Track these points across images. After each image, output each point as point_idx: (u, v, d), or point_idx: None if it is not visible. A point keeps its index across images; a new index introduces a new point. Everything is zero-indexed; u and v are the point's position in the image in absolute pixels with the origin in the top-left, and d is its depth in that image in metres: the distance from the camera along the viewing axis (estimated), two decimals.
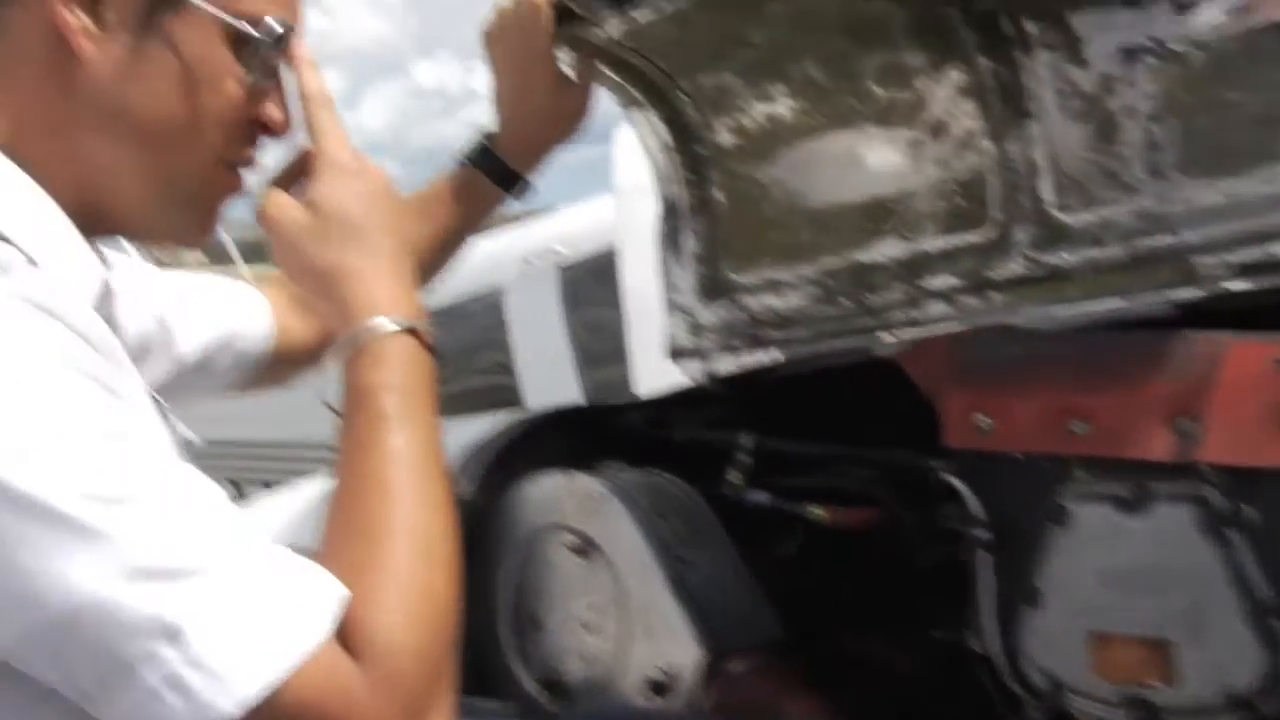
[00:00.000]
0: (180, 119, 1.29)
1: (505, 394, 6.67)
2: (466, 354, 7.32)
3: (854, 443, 2.16)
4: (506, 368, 6.86)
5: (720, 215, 2.44)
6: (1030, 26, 2.01)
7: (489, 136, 2.00)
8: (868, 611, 2.17)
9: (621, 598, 2.03)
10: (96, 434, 1.05)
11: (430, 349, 1.23)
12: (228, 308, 1.84)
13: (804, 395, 2.32)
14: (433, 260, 2.02)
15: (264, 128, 1.35)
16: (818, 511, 2.11)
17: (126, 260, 1.65)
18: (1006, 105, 2.05)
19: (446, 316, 6.68)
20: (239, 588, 1.04)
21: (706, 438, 2.30)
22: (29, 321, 1.08)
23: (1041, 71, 2.02)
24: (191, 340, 1.77)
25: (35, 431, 1.03)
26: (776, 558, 2.21)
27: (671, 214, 2.49)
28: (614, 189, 5.21)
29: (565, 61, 2.05)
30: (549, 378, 5.91)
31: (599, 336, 6.25)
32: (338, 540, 1.14)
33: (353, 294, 1.25)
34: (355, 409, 1.18)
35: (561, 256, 6.19)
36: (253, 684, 1.02)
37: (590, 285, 6.14)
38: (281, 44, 1.35)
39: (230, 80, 1.32)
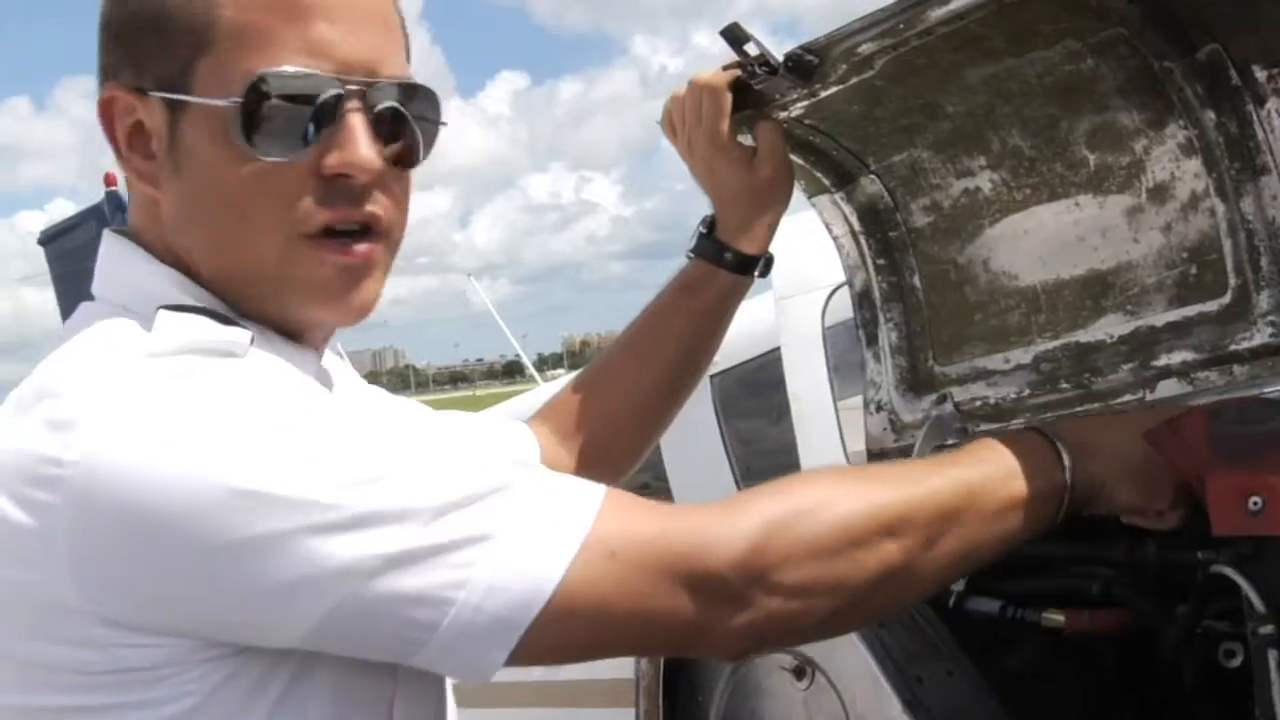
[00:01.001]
0: (229, 219, 1.38)
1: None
2: None
3: (1086, 539, 2.11)
4: (656, 488, 6.90)
5: (918, 302, 2.43)
6: (1260, 74, 1.99)
7: (708, 223, 2.08)
8: None
9: None
10: (333, 432, 1.23)
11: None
12: (495, 443, 1.92)
13: None
14: (687, 362, 2.10)
15: (342, 178, 1.39)
16: (1056, 618, 2.06)
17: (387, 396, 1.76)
18: (1236, 161, 2.03)
19: None
20: (518, 495, 1.26)
21: None
22: (256, 365, 1.28)
23: (1275, 121, 2.00)
24: None
25: (281, 441, 1.19)
26: (1012, 670, 2.15)
27: (865, 305, 2.49)
28: (774, 291, 5.26)
29: (751, 138, 2.09)
30: (706, 495, 5.87)
31: (754, 446, 6.27)
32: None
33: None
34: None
35: (715, 366, 6.25)
36: (564, 554, 1.24)
37: (747, 394, 6.18)
38: (307, 101, 1.36)
39: (242, 162, 1.36)
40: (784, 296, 4.99)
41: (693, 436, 6.23)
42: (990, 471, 1.48)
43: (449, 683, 1.48)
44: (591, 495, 1.31)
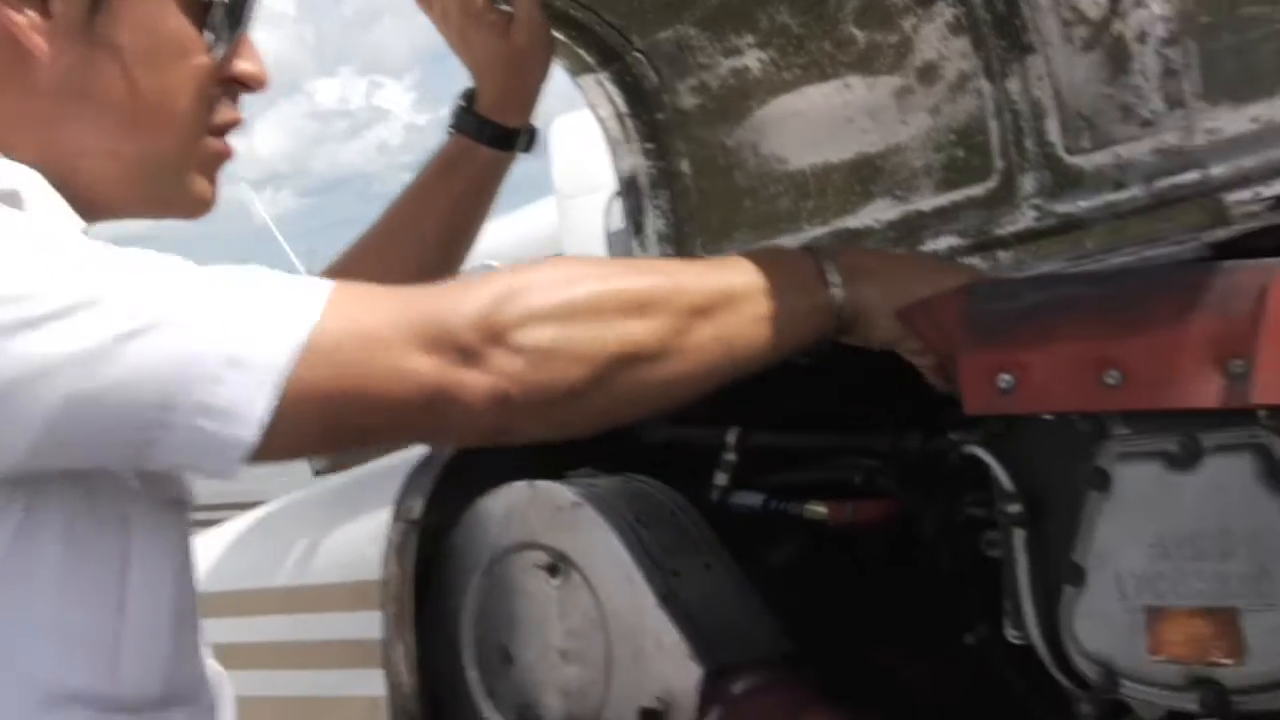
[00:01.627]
0: (149, 97, 1.43)
1: None
2: None
3: (852, 432, 2.16)
4: None
5: (687, 188, 2.44)
6: None
7: (467, 96, 2.06)
8: (886, 619, 2.16)
9: (604, 620, 2.01)
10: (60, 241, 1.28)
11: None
12: None
13: (793, 383, 2.32)
14: (451, 243, 2.08)
15: (241, 85, 1.52)
16: (818, 509, 2.10)
17: None
18: (1004, 40, 2.07)
19: None
20: (248, 281, 1.30)
21: (685, 436, 2.29)
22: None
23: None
24: None
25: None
26: (777, 565, 2.19)
27: (631, 192, 2.49)
28: (555, 191, 5.25)
29: (507, 5, 2.06)
30: None
31: None
32: None
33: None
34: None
35: (495, 269, 6.22)
36: (299, 327, 1.27)
37: None
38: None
39: (193, 49, 1.45)
40: (566, 197, 4.98)
41: None
42: (752, 280, 1.52)
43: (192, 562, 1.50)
44: (324, 283, 1.36)
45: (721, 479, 2.20)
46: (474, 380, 1.33)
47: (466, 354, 1.32)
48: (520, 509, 2.10)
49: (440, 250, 2.11)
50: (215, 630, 1.56)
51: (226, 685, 1.63)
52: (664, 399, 1.51)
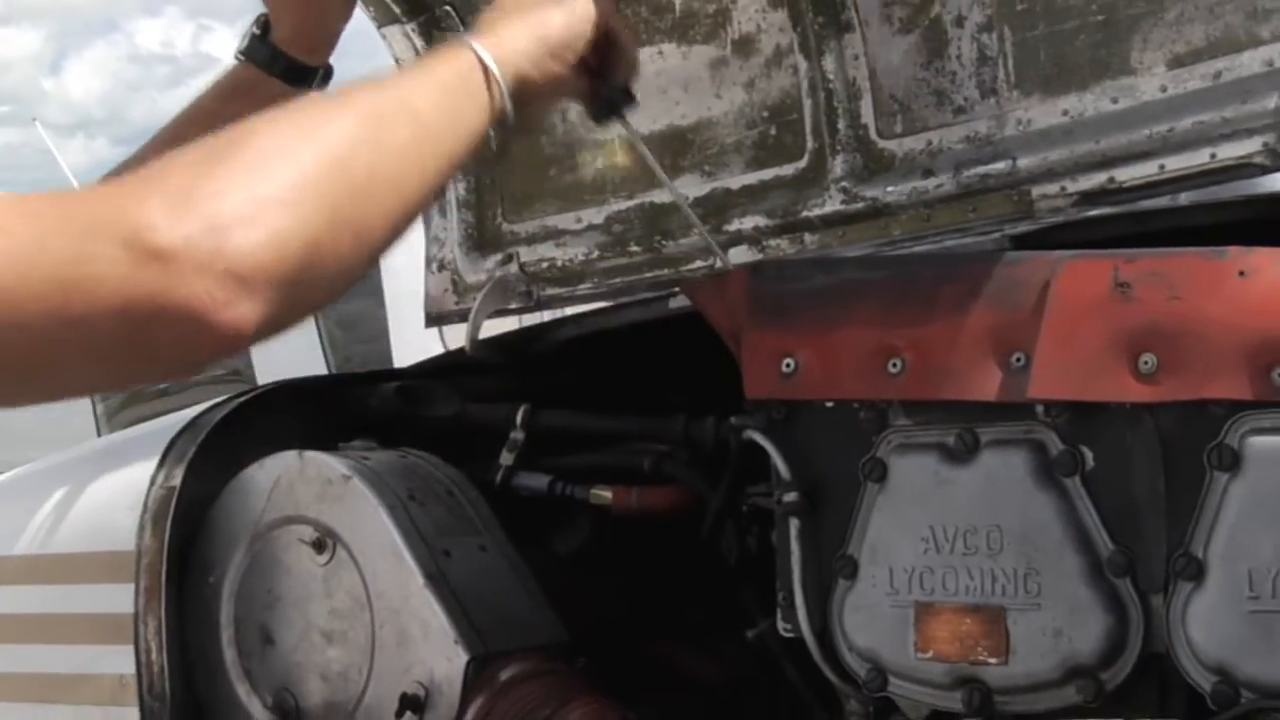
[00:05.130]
0: None
1: (236, 383, 6.59)
2: None
3: (649, 414, 2.20)
4: (245, 375, 6.80)
5: (490, 152, 2.45)
6: None
7: (261, 23, 2.04)
8: (667, 609, 2.20)
9: (370, 600, 2.02)
10: None
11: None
12: None
13: (587, 362, 2.35)
14: None
15: None
16: (603, 494, 2.13)
17: None
18: (821, 16, 2.11)
19: None
20: None
21: (472, 413, 2.31)
22: None
23: None
24: None
25: None
26: (559, 551, 2.22)
27: None
28: None
29: None
30: (290, 363, 5.85)
31: (359, 333, 6.23)
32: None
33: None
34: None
35: None
36: None
37: None
38: None
39: None
40: None
41: None
42: (422, 86, 1.50)
43: None
44: None
45: (507, 458, 2.23)
46: (195, 280, 1.22)
47: (171, 249, 1.21)
48: (288, 480, 2.11)
49: None
50: None
51: None
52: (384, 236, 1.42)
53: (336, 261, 1.33)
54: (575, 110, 2.36)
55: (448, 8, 2.40)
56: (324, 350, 6.10)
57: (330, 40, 2.11)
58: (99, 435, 7.33)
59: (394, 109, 1.43)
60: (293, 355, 6.23)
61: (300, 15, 2.06)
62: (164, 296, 1.20)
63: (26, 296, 1.20)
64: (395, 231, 1.43)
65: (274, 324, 1.28)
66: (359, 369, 6.09)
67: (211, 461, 2.18)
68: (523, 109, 1.59)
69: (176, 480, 2.16)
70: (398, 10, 2.40)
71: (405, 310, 4.94)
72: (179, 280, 1.21)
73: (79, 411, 7.24)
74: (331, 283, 1.35)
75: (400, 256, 4.51)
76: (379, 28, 2.46)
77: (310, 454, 2.11)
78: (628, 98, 1.78)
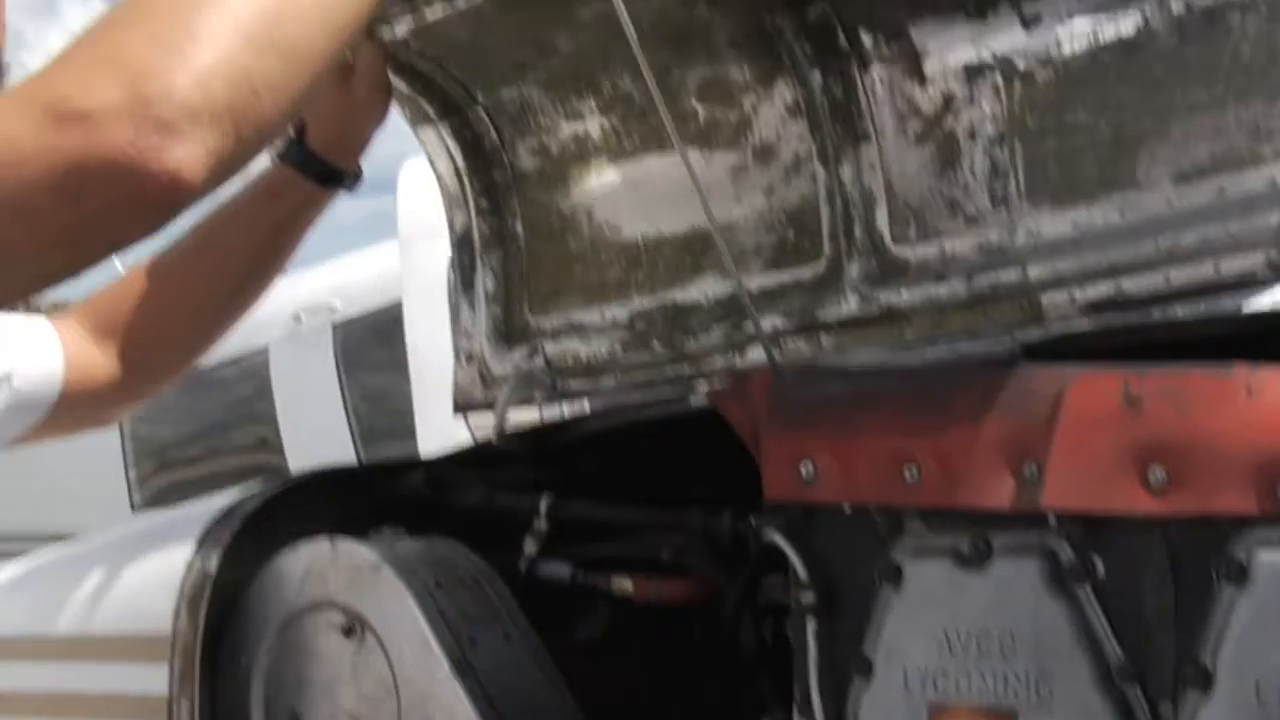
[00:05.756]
0: None
1: (268, 476, 6.58)
2: (222, 428, 7.28)
3: (667, 506, 2.20)
4: (271, 444, 6.81)
5: (519, 249, 2.46)
6: (866, 39, 2.10)
7: (298, 128, 2.05)
8: (685, 697, 2.19)
9: (397, 686, 2.02)
10: None
11: None
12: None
13: (610, 454, 2.35)
14: (254, 272, 2.06)
15: None
16: (624, 584, 2.13)
17: None
18: (840, 126, 2.13)
19: (195, 384, 6.66)
20: None
21: (498, 502, 2.31)
22: None
23: (878, 89, 2.11)
24: None
25: None
26: (580, 639, 2.22)
27: (464, 248, 2.51)
28: (398, 235, 5.24)
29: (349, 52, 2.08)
30: (323, 456, 5.86)
31: (381, 405, 6.25)
32: None
33: None
34: None
35: (337, 312, 6.21)
36: None
37: (371, 345, 6.14)
38: None
39: None
40: (409, 240, 4.98)
41: (310, 389, 6.18)
42: None
43: None
44: None
45: (531, 547, 2.23)
46: (121, 131, 1.18)
47: (96, 112, 1.18)
48: (319, 567, 2.11)
49: (247, 271, 2.09)
50: None
51: None
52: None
53: (268, 85, 1.27)
54: (602, 210, 2.39)
55: (480, 110, 2.42)
56: (349, 423, 6.11)
57: (362, 145, 2.13)
58: (130, 497, 7.35)
59: None
60: (318, 425, 6.27)
61: (335, 122, 2.08)
62: (89, 154, 1.17)
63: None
64: (331, 44, 1.36)
65: (220, 161, 1.23)
66: (382, 438, 6.12)
67: (246, 547, 2.18)
68: None
69: (212, 566, 2.16)
70: (431, 112, 2.42)
71: (429, 385, 4.96)
72: (101, 136, 1.17)
73: (113, 475, 7.25)
74: (271, 108, 1.28)
75: (424, 336, 4.54)
76: (413, 127, 2.48)
77: (342, 541, 2.11)
78: None
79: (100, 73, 1.19)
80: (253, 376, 6.49)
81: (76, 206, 1.18)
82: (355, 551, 2.09)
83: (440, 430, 4.15)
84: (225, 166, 1.25)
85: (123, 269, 2.09)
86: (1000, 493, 1.59)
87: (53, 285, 1.28)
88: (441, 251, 4.26)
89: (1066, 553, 1.59)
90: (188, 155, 1.19)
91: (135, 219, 1.23)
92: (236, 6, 1.26)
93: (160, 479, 7.42)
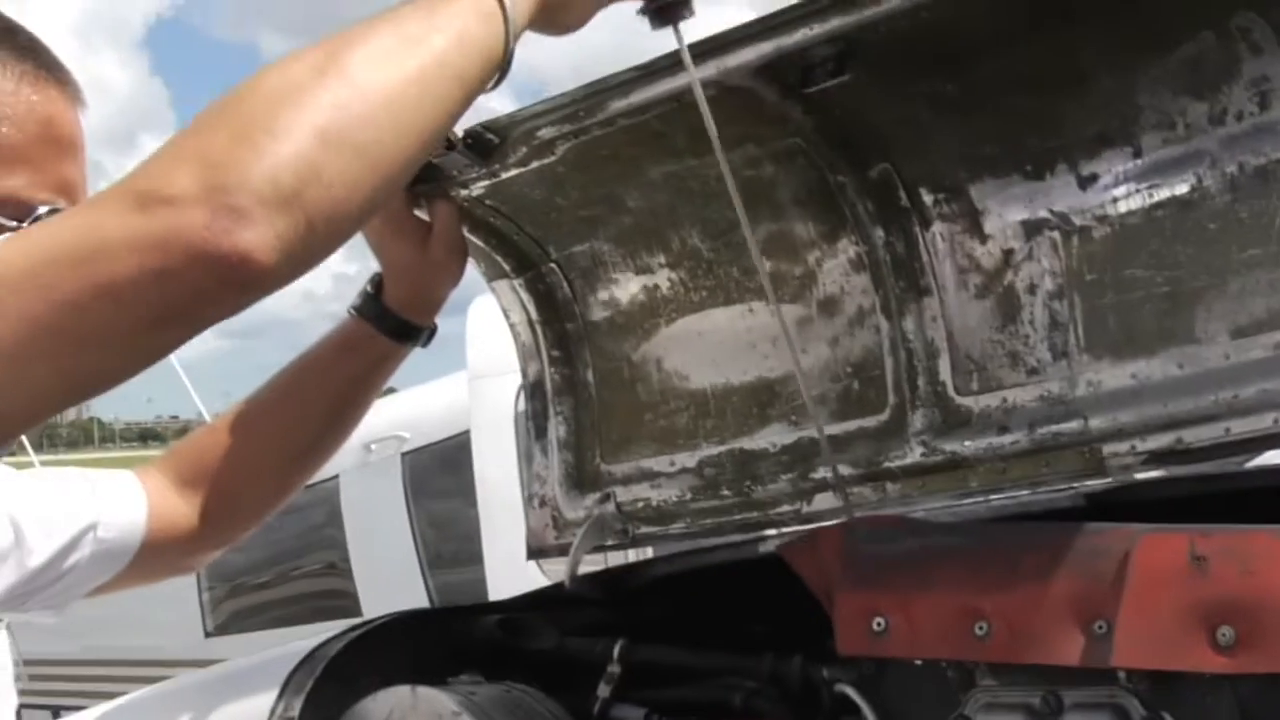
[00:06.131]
0: None
1: (339, 601, 6.62)
2: (292, 554, 7.31)
3: (739, 650, 2.19)
4: (341, 570, 6.83)
5: (590, 398, 2.49)
6: (927, 197, 2.13)
7: (375, 283, 2.10)
8: None
9: None
10: None
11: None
12: (84, 498, 1.89)
13: (681, 598, 2.35)
14: (333, 421, 2.10)
15: None
16: None
17: None
18: (902, 280, 2.15)
19: None
20: None
21: (571, 646, 2.31)
22: None
23: (939, 244, 2.14)
24: (44, 541, 1.81)
25: None
26: None
27: (536, 395, 2.54)
28: (467, 368, 5.30)
29: (427, 215, 2.13)
30: (391, 582, 5.89)
31: (448, 532, 6.27)
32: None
33: None
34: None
35: (406, 442, 6.25)
36: None
37: (439, 475, 6.18)
38: None
39: None
40: (477, 377, 5.03)
41: (379, 516, 6.21)
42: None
43: None
44: None
45: (604, 691, 2.23)
46: (194, 215, 1.23)
47: (171, 198, 1.24)
48: (400, 714, 2.11)
49: (323, 424, 2.13)
50: None
51: None
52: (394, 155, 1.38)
53: (341, 181, 1.31)
54: (670, 360, 2.41)
55: (553, 265, 2.46)
56: (417, 549, 6.13)
57: (438, 303, 2.17)
58: (204, 622, 7.37)
59: (394, 39, 1.39)
60: (387, 551, 6.29)
61: (412, 280, 2.12)
62: (171, 237, 1.22)
63: (57, 273, 1.23)
64: (407, 151, 1.39)
65: (290, 248, 1.28)
66: (450, 564, 6.13)
67: (328, 693, 2.19)
68: (558, 13, 1.56)
69: (295, 711, 2.17)
70: (506, 267, 2.47)
71: (496, 514, 4.98)
72: (180, 220, 1.23)
73: (188, 600, 7.28)
74: (344, 203, 1.32)
75: (492, 467, 4.57)
76: (489, 282, 2.52)
77: (422, 690, 2.11)
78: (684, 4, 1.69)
79: (182, 164, 1.26)
80: (324, 503, 6.54)
81: (162, 288, 1.24)
82: (435, 699, 2.09)
83: (507, 558, 4.16)
84: (296, 254, 1.30)
85: (209, 418, 2.14)
86: (1070, 650, 1.58)
87: (143, 368, 1.33)
88: (508, 386, 4.31)
89: (1137, 709, 1.58)
90: (257, 238, 1.24)
91: (215, 299, 1.28)
92: (313, 108, 1.31)
93: (232, 603, 7.45)
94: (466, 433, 5.42)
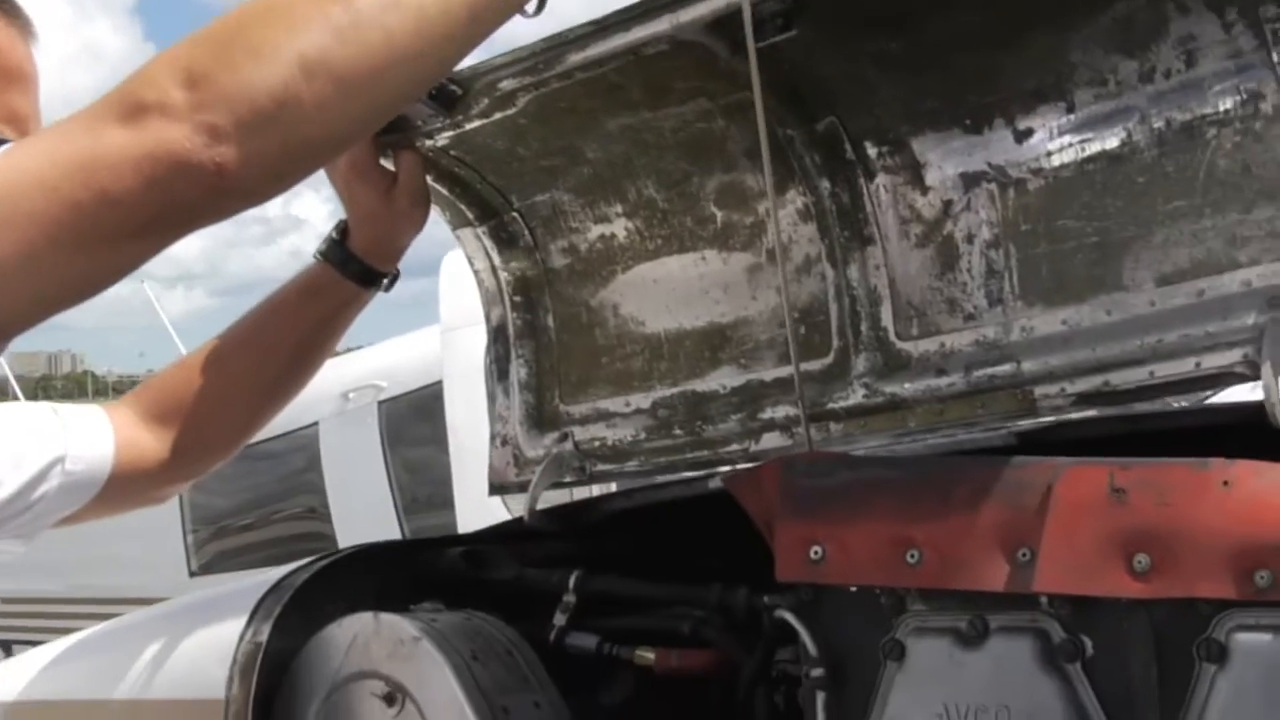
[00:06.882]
0: None
1: (318, 543, 6.63)
2: (273, 498, 7.31)
3: (689, 581, 2.21)
4: (319, 513, 6.84)
5: (551, 341, 2.49)
6: (871, 150, 2.13)
7: (340, 229, 2.09)
8: None
9: None
10: None
11: None
12: (53, 432, 1.88)
13: (635, 533, 2.36)
14: (298, 361, 2.09)
15: None
16: (646, 655, 2.14)
17: None
18: (847, 230, 2.16)
19: (249, 456, 6.68)
20: None
21: (529, 577, 2.32)
22: None
23: (882, 195, 2.14)
24: (10, 474, 1.81)
25: None
26: (605, 706, 2.22)
27: (499, 339, 2.54)
28: (440, 321, 5.29)
29: (392, 164, 2.12)
30: (368, 524, 5.89)
31: (422, 477, 6.28)
32: None
33: None
34: None
35: (382, 391, 6.26)
36: None
37: (414, 422, 6.18)
38: None
39: None
40: (449, 329, 5.03)
41: (356, 462, 6.22)
42: None
43: None
44: None
45: (560, 619, 2.24)
46: (177, 129, 1.26)
47: (159, 109, 1.27)
48: (363, 639, 2.12)
49: (288, 363, 2.12)
50: None
51: None
52: (375, 85, 1.36)
53: (321, 111, 1.31)
54: (627, 305, 2.42)
55: (515, 214, 2.46)
56: (392, 493, 6.14)
57: (401, 250, 2.16)
58: (188, 562, 7.37)
59: None
60: (364, 495, 6.30)
61: (377, 227, 2.11)
62: (160, 147, 1.26)
63: (60, 177, 1.26)
64: (396, 90, 1.38)
65: (265, 166, 1.30)
66: (423, 507, 6.14)
67: (295, 619, 2.19)
68: None
69: (263, 636, 2.18)
70: (470, 215, 2.46)
71: (468, 461, 4.98)
72: (164, 131, 1.26)
73: (172, 541, 7.28)
74: (322, 127, 1.33)
75: (463, 415, 4.58)
76: (453, 230, 2.52)
77: (384, 616, 2.12)
78: None
79: (169, 75, 1.28)
80: (303, 450, 6.54)
81: (153, 195, 1.27)
82: (397, 625, 2.10)
83: (477, 502, 4.16)
84: (271, 172, 1.32)
85: (182, 352, 2.13)
86: (996, 576, 1.60)
87: (136, 267, 1.36)
88: (479, 338, 4.32)
89: (1057, 632, 1.60)
90: (233, 155, 1.26)
91: (200, 208, 1.31)
92: (305, 34, 1.31)
93: (216, 545, 7.45)
94: (439, 382, 5.42)
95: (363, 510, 6.14)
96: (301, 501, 6.91)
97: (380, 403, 6.18)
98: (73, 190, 1.25)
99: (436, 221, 2.50)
